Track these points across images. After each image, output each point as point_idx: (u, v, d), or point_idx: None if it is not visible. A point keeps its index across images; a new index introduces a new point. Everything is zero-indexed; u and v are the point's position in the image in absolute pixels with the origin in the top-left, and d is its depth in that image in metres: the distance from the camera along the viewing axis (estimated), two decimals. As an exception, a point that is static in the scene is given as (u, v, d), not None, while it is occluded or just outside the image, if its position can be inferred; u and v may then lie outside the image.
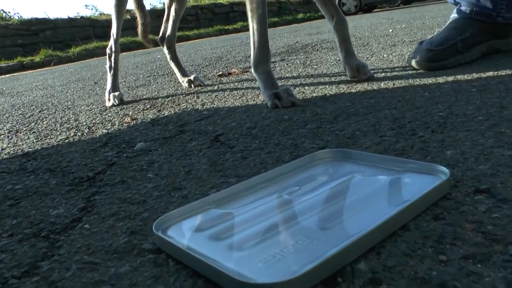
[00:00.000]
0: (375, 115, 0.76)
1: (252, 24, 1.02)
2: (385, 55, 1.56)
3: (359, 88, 1.02)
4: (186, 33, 7.71)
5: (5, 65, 5.95)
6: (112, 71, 1.40)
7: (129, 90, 1.71)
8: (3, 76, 5.24)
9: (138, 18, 1.48)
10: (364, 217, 0.37)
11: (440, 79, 0.97)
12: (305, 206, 0.41)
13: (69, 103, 1.61)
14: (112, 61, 1.40)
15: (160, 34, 1.56)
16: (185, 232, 0.41)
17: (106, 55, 1.43)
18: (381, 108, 0.80)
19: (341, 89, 1.05)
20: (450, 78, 0.97)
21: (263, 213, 0.42)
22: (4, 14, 8.63)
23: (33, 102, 1.84)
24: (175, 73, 1.59)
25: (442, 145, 0.56)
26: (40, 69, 5.48)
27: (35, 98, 1.96)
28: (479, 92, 0.80)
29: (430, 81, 0.97)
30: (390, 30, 2.66)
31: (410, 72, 1.13)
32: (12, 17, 8.49)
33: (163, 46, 1.56)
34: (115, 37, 1.38)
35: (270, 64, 1.03)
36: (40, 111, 1.51)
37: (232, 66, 2.02)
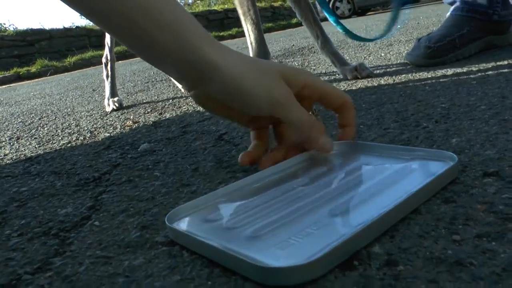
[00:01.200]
0: (377, 109, 0.77)
1: (246, 26, 1.04)
2: (382, 54, 1.57)
3: (359, 86, 1.03)
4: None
5: (1, 76, 5.95)
6: (109, 79, 1.40)
7: (128, 96, 1.71)
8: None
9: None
10: (376, 203, 0.38)
11: (440, 74, 0.98)
12: (317, 195, 0.42)
13: (69, 109, 1.61)
14: (109, 69, 1.40)
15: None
16: (198, 224, 0.41)
17: (102, 64, 1.44)
18: (383, 103, 0.80)
19: (342, 87, 1.05)
20: (450, 72, 0.97)
21: (276, 203, 0.42)
22: (-1, 26, 8.66)
23: (32, 110, 1.84)
24: (172, 80, 1.59)
25: (447, 134, 0.56)
26: (36, 79, 5.48)
27: (34, 107, 1.96)
28: (480, 84, 0.81)
29: (430, 76, 0.98)
30: (386, 31, 2.68)
31: (409, 68, 1.14)
32: (7, 28, 8.52)
33: None
34: (109, 45, 1.39)
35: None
36: (40, 118, 1.51)
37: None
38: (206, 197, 0.45)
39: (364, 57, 1.61)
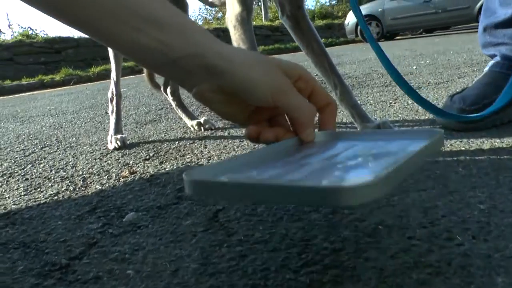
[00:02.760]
0: (401, 198, 0.65)
1: None
2: (409, 102, 1.45)
3: (381, 150, 0.91)
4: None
5: (26, 83, 6.02)
6: (114, 114, 1.32)
7: (136, 127, 1.63)
8: (23, 94, 5.29)
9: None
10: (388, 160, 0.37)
11: (475, 146, 0.86)
12: (329, 156, 0.41)
13: (73, 139, 1.53)
14: (114, 105, 1.32)
15: (164, 81, 1.48)
16: (223, 173, 0.38)
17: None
18: (408, 188, 0.69)
19: (362, 150, 0.94)
20: (487, 145, 0.85)
21: (298, 164, 0.39)
22: (31, 32, 8.82)
23: (39, 133, 1.78)
24: (182, 119, 1.50)
25: (490, 266, 0.44)
26: (59, 88, 5.52)
27: (42, 129, 1.90)
28: (525, 172, 0.69)
29: (464, 148, 0.86)
30: (414, 67, 2.56)
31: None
32: (38, 34, 8.67)
33: (167, 94, 1.48)
34: (115, 80, 1.31)
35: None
36: (42, 148, 1.44)
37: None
38: (213, 167, 0.40)
39: (390, 103, 1.49)
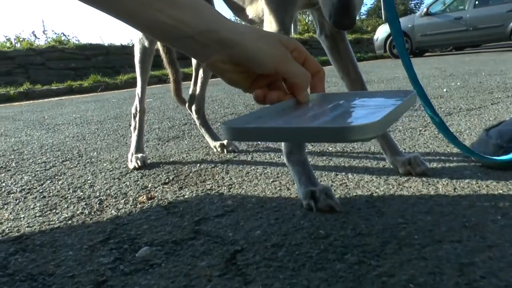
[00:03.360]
0: (434, 250, 0.60)
1: None
2: (440, 130, 1.39)
3: (411, 188, 0.86)
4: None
5: (55, 88, 6.13)
6: (136, 131, 1.30)
7: (158, 144, 1.61)
8: (52, 99, 5.39)
9: (170, 74, 1.39)
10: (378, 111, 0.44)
11: (514, 189, 0.80)
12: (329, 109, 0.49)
13: (94, 153, 1.52)
14: (137, 121, 1.31)
15: (188, 98, 1.45)
16: (252, 122, 0.46)
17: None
18: (441, 237, 0.63)
19: (390, 186, 0.88)
20: (527, 189, 0.79)
21: (305, 116, 0.47)
22: (64, 38, 9.02)
23: (62, 144, 1.78)
24: (205, 138, 1.48)
25: None
26: (86, 94, 5.60)
27: (66, 140, 1.90)
28: None
29: (502, 191, 0.80)
30: (445, 90, 2.48)
31: (473, 168, 0.96)
32: (70, 40, 8.86)
33: (191, 111, 1.46)
34: (140, 96, 1.29)
35: (305, 152, 0.89)
36: (62, 162, 1.43)
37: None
38: (242, 118, 0.47)
39: (420, 130, 1.43)
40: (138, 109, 1.32)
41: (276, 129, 0.42)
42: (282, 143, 0.90)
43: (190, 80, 1.46)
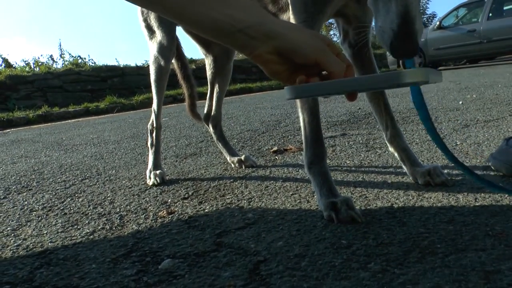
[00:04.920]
0: (457, 258, 0.59)
1: (302, 116, 0.90)
2: (458, 142, 1.38)
3: (432, 198, 0.86)
4: (249, 85, 7.81)
5: (72, 110, 6.25)
6: (153, 148, 1.32)
7: (176, 161, 1.62)
8: (69, 120, 5.48)
9: (184, 90, 1.41)
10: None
11: (537, 197, 0.79)
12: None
13: (113, 171, 1.54)
14: (154, 137, 1.33)
15: (205, 112, 1.47)
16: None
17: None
18: (465, 246, 0.63)
19: (410, 197, 0.88)
20: (551, 197, 0.78)
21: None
22: (80, 60, 9.21)
23: (80, 164, 1.80)
24: (223, 154, 1.49)
25: None
26: (103, 116, 5.68)
27: (84, 159, 1.93)
28: None
29: (524, 200, 0.79)
30: (460, 102, 2.46)
31: (494, 178, 0.95)
32: (86, 62, 9.04)
33: (208, 126, 1.47)
34: (156, 112, 1.32)
35: (326, 163, 0.89)
36: (82, 180, 1.45)
37: (289, 137, 1.90)
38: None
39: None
40: (154, 125, 1.34)
41: (334, 82, 0.51)
42: (303, 155, 0.90)
43: (205, 99, 1.48)
